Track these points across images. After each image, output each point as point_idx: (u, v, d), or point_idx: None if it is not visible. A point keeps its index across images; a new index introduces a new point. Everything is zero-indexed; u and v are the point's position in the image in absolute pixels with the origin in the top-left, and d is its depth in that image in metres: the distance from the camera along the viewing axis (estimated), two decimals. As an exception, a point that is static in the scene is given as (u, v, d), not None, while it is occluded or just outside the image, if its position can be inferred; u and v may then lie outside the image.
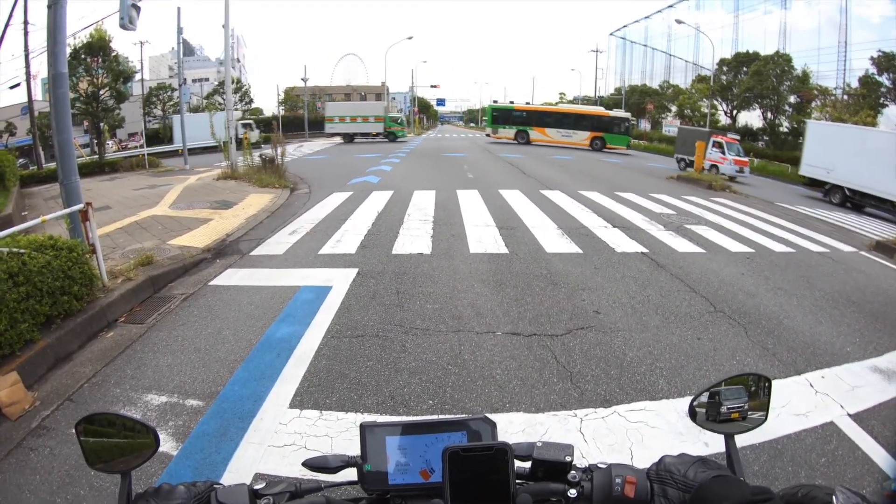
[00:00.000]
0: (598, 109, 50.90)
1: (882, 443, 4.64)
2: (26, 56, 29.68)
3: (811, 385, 5.65)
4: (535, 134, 48.92)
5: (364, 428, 1.23)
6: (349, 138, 53.51)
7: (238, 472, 3.88)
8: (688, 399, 4.93)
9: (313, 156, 33.68)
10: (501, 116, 51.20)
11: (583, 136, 47.29)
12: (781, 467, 4.18)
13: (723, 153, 30.82)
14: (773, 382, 4.23)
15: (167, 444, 4.21)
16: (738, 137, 35.04)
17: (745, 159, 32.08)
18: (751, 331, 7.00)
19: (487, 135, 53.85)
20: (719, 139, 31.81)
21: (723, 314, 7.51)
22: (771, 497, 0.95)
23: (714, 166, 30.33)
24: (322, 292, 7.71)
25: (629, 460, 4.10)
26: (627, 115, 49.90)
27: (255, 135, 53.83)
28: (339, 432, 4.40)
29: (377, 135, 53.61)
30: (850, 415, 5.07)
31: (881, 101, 42.91)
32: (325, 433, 4.40)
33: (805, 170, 28.78)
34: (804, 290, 8.96)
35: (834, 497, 1.91)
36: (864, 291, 9.32)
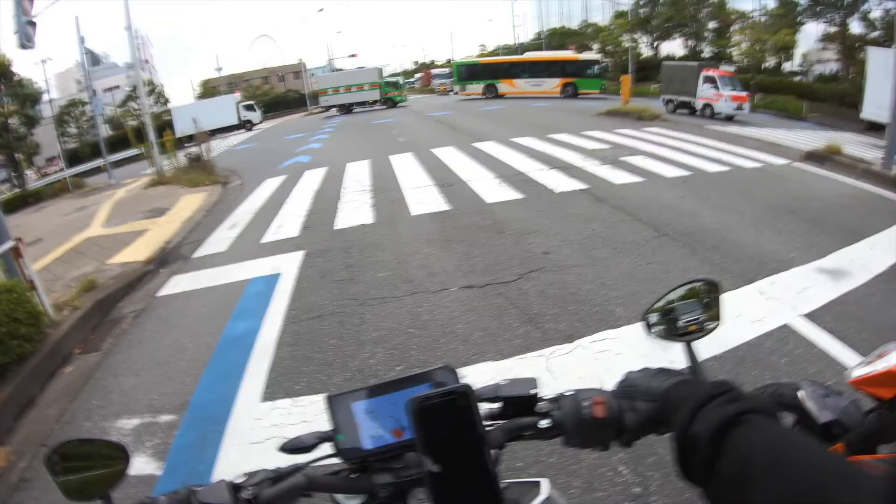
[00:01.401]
0: (567, 54, 48.45)
1: (838, 336, 4.87)
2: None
3: (762, 292, 5.88)
4: (503, 87, 47.35)
5: (330, 399, 1.21)
6: (346, 109, 52.24)
7: (225, 475, 3.87)
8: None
9: (240, 146, 33.19)
10: (467, 72, 50.29)
11: (553, 84, 45.12)
12: (745, 372, 4.37)
13: (716, 89, 27.57)
14: (726, 294, 4.40)
15: (151, 465, 4.18)
16: (732, 69, 33.73)
17: (744, 94, 28.38)
18: (697, 249, 7.22)
19: (455, 93, 54.00)
20: (710, 73, 28.68)
21: (668, 237, 7.70)
22: (731, 388, 0.96)
23: (707, 105, 27.75)
24: (272, 281, 7.68)
25: (600, 388, 4.21)
26: (598, 56, 48.27)
27: (257, 115, 55.98)
28: (314, 415, 4.44)
29: (374, 102, 52.47)
30: (803, 315, 5.31)
31: (798, 20, 43.39)
32: (301, 420, 4.44)
33: (869, 112, 21.14)
34: (743, 204, 9.21)
35: (800, 391, 2.01)
36: (801, 199, 9.63)
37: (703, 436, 0.89)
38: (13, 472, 4.68)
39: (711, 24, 51.91)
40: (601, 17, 69.87)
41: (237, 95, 59.87)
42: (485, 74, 48.69)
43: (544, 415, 1.19)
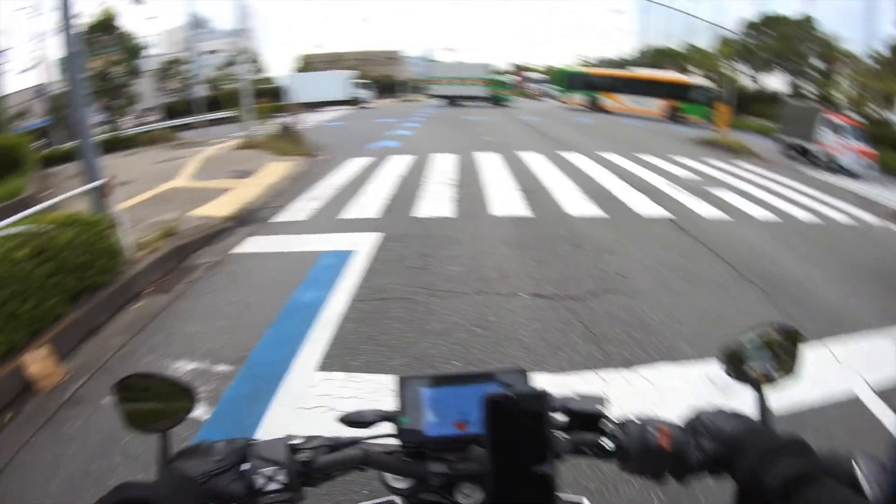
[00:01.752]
0: (676, 76, 44.81)
1: None
2: (38, 38, 29.79)
3: (833, 355, 5.57)
4: (607, 101, 44.60)
5: (401, 380, 1.21)
6: (452, 101, 49.89)
7: (269, 433, 3.89)
8: (711, 363, 4.93)
9: (332, 122, 33.53)
10: (573, 81, 48.18)
11: (657, 105, 41.98)
12: (801, 434, 4.14)
13: (841, 138, 23.29)
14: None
15: (199, 409, 4.24)
16: (862, 121, 28.96)
17: (870, 150, 23.86)
18: (775, 298, 6.94)
19: (558, 100, 51.68)
20: (834, 118, 24.55)
21: (747, 280, 7.45)
22: (804, 445, 0.96)
23: (830, 156, 23.34)
24: (345, 257, 7.72)
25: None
26: (707, 82, 43.19)
27: (369, 94, 56.52)
28: (367, 394, 4.42)
29: (480, 98, 49.44)
30: (870, 385, 5.02)
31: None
32: (352, 395, 4.43)
33: None
34: (829, 259, 8.86)
35: (855, 462, 1.90)
36: (891, 263, 9.21)
37: (772, 488, 0.88)
38: (68, 389, 4.85)
39: (817, 63, 50.20)
40: (705, 41, 68.81)
41: (350, 72, 59.83)
42: (590, 85, 46.50)
43: (609, 435, 1.18)
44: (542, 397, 1.07)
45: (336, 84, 54.58)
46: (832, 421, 4.44)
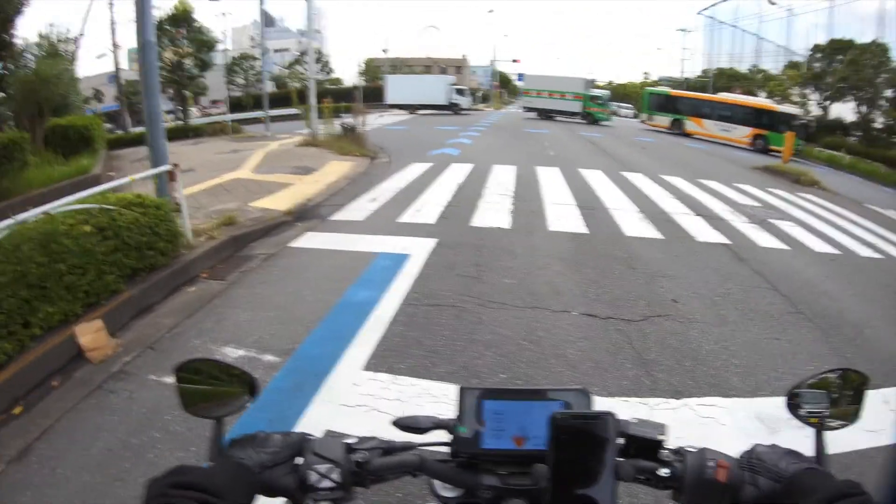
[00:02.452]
0: (765, 102, 42.22)
1: None
2: (112, 26, 30.68)
3: (886, 402, 5.36)
4: (690, 125, 42.13)
5: (463, 390, 1.19)
6: (545, 115, 48.15)
7: (309, 427, 3.87)
8: (760, 399, 4.78)
9: (393, 126, 33.81)
10: (657, 102, 45.70)
11: (743, 133, 38.57)
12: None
13: None
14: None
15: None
16: None
17: None
18: (831, 337, 6.67)
19: (642, 121, 49.08)
20: None
21: (803, 316, 7.20)
22: (864, 492, 0.91)
23: None
24: (400, 259, 7.73)
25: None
26: (798, 111, 40.30)
27: (467, 101, 54.86)
28: (410, 398, 4.41)
29: (574, 115, 46.93)
30: None
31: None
32: (396, 397, 4.41)
33: None
34: (890, 299, 8.52)
35: None
36: None
37: None
38: (116, 362, 4.97)
39: (889, 92, 48.62)
40: (773, 64, 67.50)
41: (451, 77, 59.88)
42: (673, 108, 44.23)
43: (667, 463, 1.15)
44: (608, 421, 1.06)
45: (437, 88, 53.81)
46: (879, 467, 4.30)
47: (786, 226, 12.50)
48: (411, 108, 52.26)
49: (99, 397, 4.39)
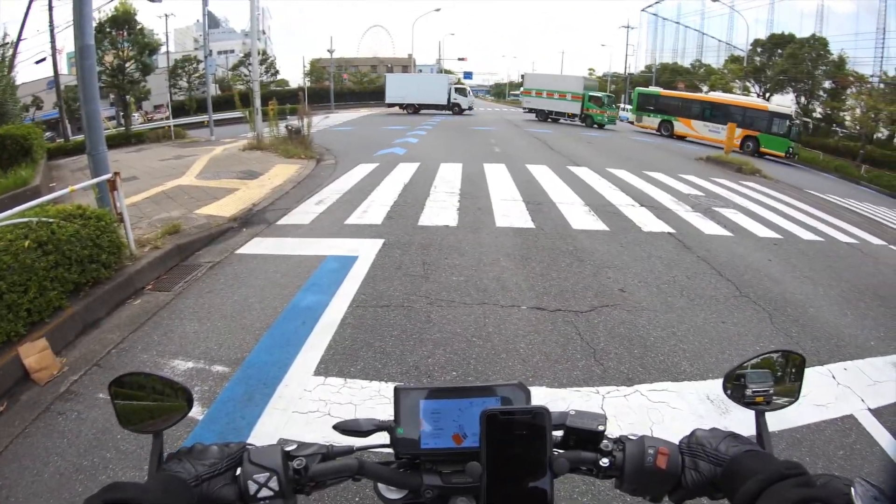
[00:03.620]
0: (756, 101, 40.18)
1: None
2: (51, 30, 29.83)
3: (833, 376, 5.55)
4: (679, 126, 40.35)
5: (398, 391, 1.20)
6: (544, 116, 46.17)
7: (262, 436, 3.91)
8: (710, 382, 4.92)
9: (339, 127, 33.57)
10: (646, 103, 43.73)
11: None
12: (799, 457, 4.10)
13: None
14: None
15: (193, 410, 4.24)
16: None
17: None
18: (775, 318, 6.90)
19: (630, 122, 46.72)
20: None
21: (748, 299, 7.42)
22: (804, 472, 0.95)
23: None
24: (348, 262, 7.73)
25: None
26: (791, 110, 37.63)
27: (467, 100, 52.38)
28: (362, 400, 4.43)
29: (573, 116, 44.32)
30: (870, 409, 4.99)
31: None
32: (348, 401, 4.43)
33: None
34: (831, 280, 8.80)
35: (853, 488, 1.88)
36: (892, 286, 9.11)
37: None
38: (63, 382, 4.88)
39: (827, 84, 50.15)
40: (715, 59, 68.91)
41: (451, 76, 58.11)
42: (663, 108, 42.36)
43: (607, 453, 1.17)
44: (541, 414, 1.07)
45: (437, 88, 52.28)
46: (829, 441, 4.43)
47: (729, 213, 12.80)
48: (411, 108, 51.92)
49: (47, 420, 4.31)
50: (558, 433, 1.19)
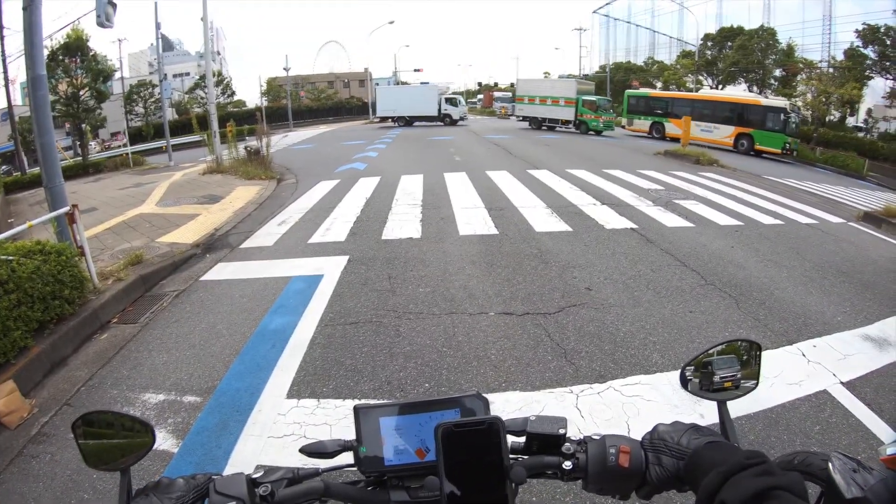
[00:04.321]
0: (748, 96, 37.98)
1: (875, 409, 4.70)
2: (3, 60, 29.34)
3: (803, 354, 5.70)
4: (671, 127, 37.40)
5: (357, 410, 1.21)
6: (537, 124, 43.42)
7: (240, 464, 3.91)
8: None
9: (299, 145, 33.42)
10: (637, 105, 41.95)
11: (726, 133, 34.69)
12: (777, 436, 4.23)
13: None
14: (766, 352, 4.26)
15: (168, 442, 4.24)
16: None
17: None
18: (742, 302, 7.04)
19: (622, 126, 43.43)
20: None
21: (714, 287, 7.55)
22: (764, 460, 0.95)
23: None
24: (314, 281, 7.72)
25: (626, 433, 4.14)
26: (785, 103, 34.06)
27: (459, 111, 50.81)
28: (337, 420, 4.43)
29: (567, 123, 41.53)
30: (842, 383, 5.13)
31: (866, 74, 42.95)
32: (323, 421, 4.43)
33: None
34: (794, 261, 9.00)
35: (830, 463, 1.94)
36: (854, 261, 9.37)
37: None
38: (34, 424, 4.81)
39: (777, 72, 51.13)
40: (667, 55, 69.84)
41: (439, 86, 55.97)
42: (653, 110, 40.54)
43: (569, 456, 1.18)
44: (494, 425, 1.09)
45: (426, 99, 50.48)
46: (804, 418, 4.54)
47: (690, 205, 12.97)
48: (402, 121, 50.50)
49: (21, 464, 4.26)
50: (520, 440, 1.22)
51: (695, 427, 1.20)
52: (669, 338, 5.94)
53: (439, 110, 49.98)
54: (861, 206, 16.17)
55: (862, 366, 5.52)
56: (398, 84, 68.95)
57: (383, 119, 52.68)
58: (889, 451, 1.89)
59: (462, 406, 1.21)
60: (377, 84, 71.38)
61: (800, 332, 6.24)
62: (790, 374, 5.24)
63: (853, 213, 14.57)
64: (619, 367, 5.28)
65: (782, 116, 32.20)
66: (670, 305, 6.86)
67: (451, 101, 51.57)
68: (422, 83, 58.14)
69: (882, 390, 5.08)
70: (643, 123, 40.75)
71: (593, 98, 41.34)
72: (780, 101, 34.73)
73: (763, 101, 35.11)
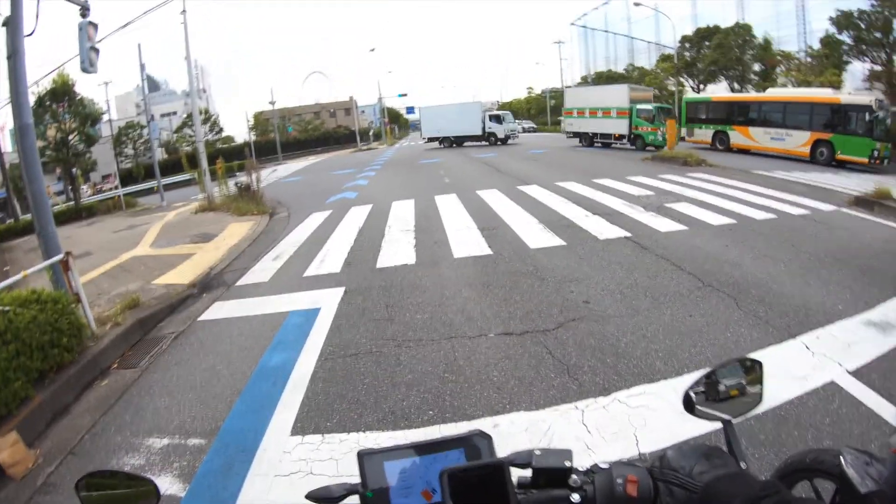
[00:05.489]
0: (824, 93, 28.27)
1: (885, 395, 4.69)
2: (-7, 107, 29.40)
3: (807, 347, 5.70)
4: (736, 136, 31.49)
5: (362, 456, 1.21)
6: (588, 141, 38.09)
7: (247, 505, 3.90)
8: (687, 377, 4.97)
9: (289, 178, 33.57)
10: (696, 112, 34.75)
11: (801, 140, 27.02)
12: (787, 433, 4.22)
13: None
14: (770, 349, 4.28)
15: (174, 486, 4.21)
16: None
17: None
18: (741, 301, 7.06)
19: (682, 138, 34.55)
20: None
21: (711, 288, 7.57)
22: (779, 491, 0.96)
23: None
24: (311, 315, 7.71)
25: (634, 446, 4.17)
26: (871, 99, 25.46)
27: (505, 128, 46.59)
28: (343, 454, 4.40)
29: (620, 138, 35.65)
30: (849, 372, 5.13)
31: (844, 59, 43.33)
32: (329, 457, 4.41)
33: None
34: (789, 254, 9.05)
35: (842, 458, 1.94)
36: (849, 248, 9.43)
37: None
38: (40, 475, 4.79)
39: (757, 67, 51.47)
40: (647, 60, 70.38)
41: (483, 102, 53.30)
42: (715, 117, 33.51)
43: (577, 488, 1.18)
44: (500, 468, 1.09)
45: (470, 117, 47.07)
46: (814, 411, 4.53)
47: (681, 207, 13.05)
48: (447, 142, 48.49)
49: (28, 517, 4.24)
50: (527, 472, 1.22)
51: (705, 454, 1.19)
52: (671, 344, 5.95)
53: (483, 129, 46.62)
54: (852, 191, 16.15)
55: (867, 352, 5.53)
56: (383, 109, 68.79)
57: (429, 140, 50.55)
58: None
59: (466, 445, 1.22)
60: (362, 111, 71.43)
61: (802, 325, 6.26)
62: (796, 368, 5.24)
63: (845, 199, 14.56)
64: (623, 379, 5.28)
65: (867, 116, 24.53)
66: (669, 311, 6.88)
67: (496, 119, 47.31)
68: (382, 110, 56.45)
69: (890, 375, 5.08)
70: (705, 133, 33.96)
71: (649, 106, 34.79)
72: (863, 97, 26.76)
73: (842, 97, 26.94)
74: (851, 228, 11.08)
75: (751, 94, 36.17)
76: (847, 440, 4.03)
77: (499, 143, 45.90)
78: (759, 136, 29.80)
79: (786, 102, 29.26)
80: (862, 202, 13.75)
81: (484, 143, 46.35)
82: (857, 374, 5.09)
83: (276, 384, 5.79)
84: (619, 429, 4.44)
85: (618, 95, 35.72)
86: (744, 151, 29.98)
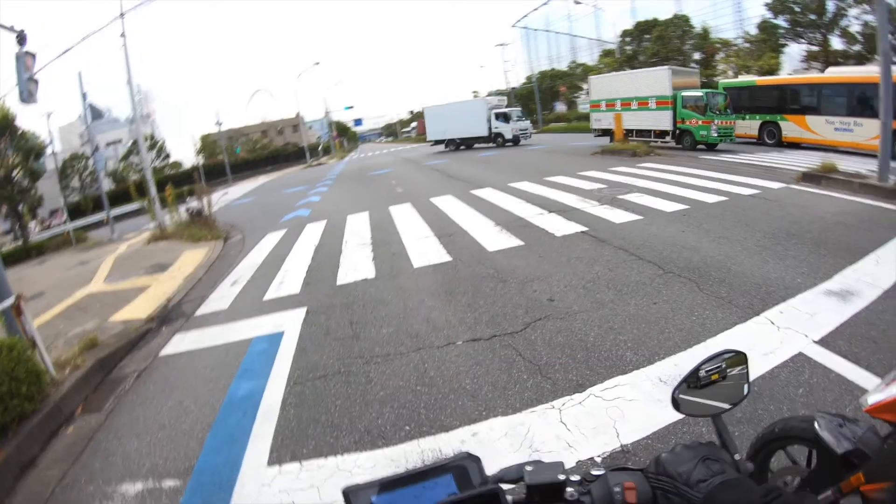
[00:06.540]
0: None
1: (852, 360, 4.87)
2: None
3: (772, 322, 5.87)
4: (789, 127, 26.70)
5: (347, 493, 1.17)
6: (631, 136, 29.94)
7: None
8: (658, 364, 5.03)
9: (240, 200, 33.25)
10: (739, 100, 28.63)
11: (871, 131, 20.26)
12: (763, 408, 4.31)
13: None
14: (736, 328, 4.35)
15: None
16: None
17: None
18: (703, 284, 7.22)
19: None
20: None
21: (672, 274, 7.71)
22: (780, 495, 0.97)
23: None
24: (275, 339, 7.61)
25: (615, 438, 4.21)
26: None
27: (512, 126, 41.56)
28: (323, 480, 4.35)
29: (662, 135, 28.32)
30: (815, 341, 5.32)
31: (781, 43, 44.44)
32: (309, 484, 4.35)
33: None
34: (744, 233, 9.26)
35: (815, 423, 1.97)
36: (801, 222, 9.71)
37: None
38: (12, 537, 4.62)
39: (697, 55, 52.46)
40: (589, 57, 71.35)
41: (487, 99, 47.07)
42: (761, 104, 28.48)
43: (574, 502, 1.16)
44: (496, 494, 1.07)
45: (474, 116, 43.26)
46: (786, 384, 4.66)
47: (634, 198, 13.31)
48: (453, 145, 45.90)
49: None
50: (521, 491, 1.20)
51: (701, 457, 1.19)
52: (639, 333, 6.04)
53: (489, 129, 42.55)
54: (798, 167, 16.67)
55: (831, 321, 5.74)
56: (331, 123, 68.36)
57: (435, 143, 48.45)
58: (871, 400, 1.95)
59: (455, 470, 1.19)
60: (309, 126, 71.10)
61: (764, 302, 6.44)
62: (763, 344, 5.38)
63: (792, 176, 15.10)
64: (596, 373, 5.33)
65: None
66: (634, 301, 6.99)
67: (503, 117, 42.17)
68: (329, 125, 54.78)
69: (855, 339, 5.28)
70: (750, 125, 28.89)
71: (699, 93, 27.11)
72: None
73: None
74: (801, 204, 11.39)
75: (803, 77, 29.65)
76: (822, 407, 4.12)
77: (507, 144, 41.62)
78: (819, 127, 25.20)
79: (850, 85, 24.17)
80: (809, 177, 14.25)
81: (491, 144, 42.83)
82: (824, 342, 5.28)
83: (246, 414, 5.69)
84: (599, 423, 4.48)
85: (656, 81, 28.49)
86: (794, 145, 26.36)
